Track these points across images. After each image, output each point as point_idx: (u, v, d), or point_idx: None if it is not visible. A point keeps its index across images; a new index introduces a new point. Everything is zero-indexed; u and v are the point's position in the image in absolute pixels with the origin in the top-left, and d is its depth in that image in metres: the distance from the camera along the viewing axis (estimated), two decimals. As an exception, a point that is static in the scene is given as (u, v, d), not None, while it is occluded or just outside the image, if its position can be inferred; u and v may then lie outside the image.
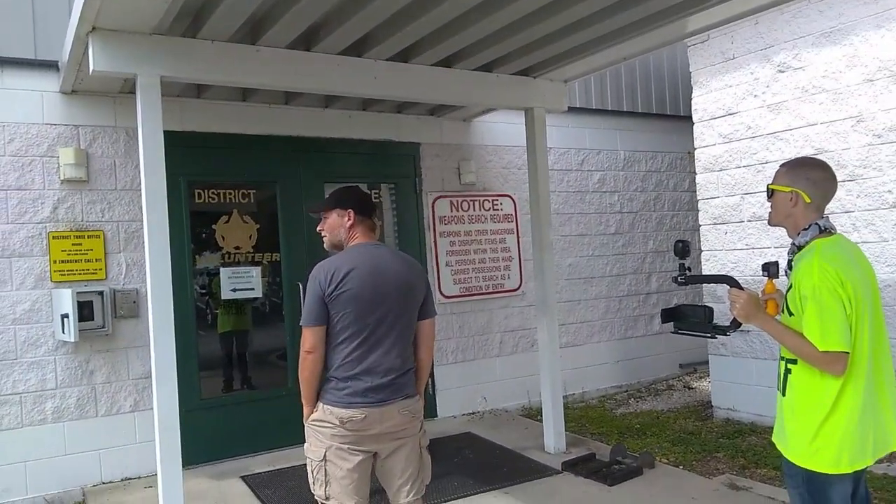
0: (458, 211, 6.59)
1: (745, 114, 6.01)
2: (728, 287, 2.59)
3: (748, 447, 5.36)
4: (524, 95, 5.27)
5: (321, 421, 2.87)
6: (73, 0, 3.71)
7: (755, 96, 5.92)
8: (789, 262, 2.53)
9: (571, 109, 6.15)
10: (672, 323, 3.00)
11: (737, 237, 6.11)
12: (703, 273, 6.20)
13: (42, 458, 4.75)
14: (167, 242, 3.89)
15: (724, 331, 2.86)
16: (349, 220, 2.99)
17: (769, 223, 2.62)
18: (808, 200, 2.45)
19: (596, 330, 7.40)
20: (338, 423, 2.82)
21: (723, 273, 5.86)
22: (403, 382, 2.91)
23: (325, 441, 2.86)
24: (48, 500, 4.73)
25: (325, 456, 2.85)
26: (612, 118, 7.58)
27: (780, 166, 2.58)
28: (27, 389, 4.72)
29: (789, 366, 2.43)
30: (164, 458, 3.85)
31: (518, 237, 6.87)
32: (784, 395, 2.45)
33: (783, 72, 5.71)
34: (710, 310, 2.95)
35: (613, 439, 5.69)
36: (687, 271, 2.81)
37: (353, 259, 2.89)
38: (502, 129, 6.78)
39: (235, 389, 5.81)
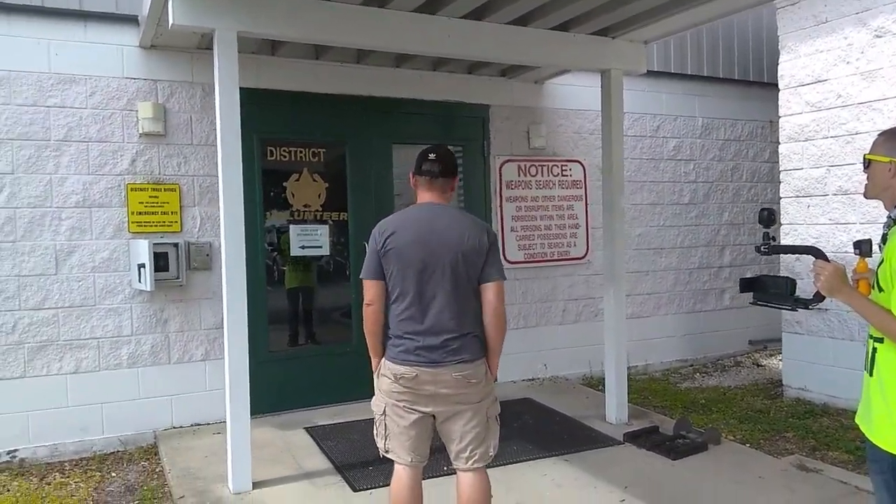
0: (525, 176, 6.48)
1: (836, 81, 5.67)
2: (813, 258, 2.46)
3: (819, 429, 5.17)
4: (602, 56, 5.08)
5: (382, 375, 2.95)
6: (154, -47, 3.78)
7: (847, 63, 5.57)
8: (883, 236, 2.37)
9: (648, 73, 5.92)
10: (751, 294, 2.87)
11: (820, 211, 5.82)
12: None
13: (117, 400, 4.96)
14: (241, 198, 3.96)
15: (805, 304, 2.72)
16: (412, 180, 3.06)
17: (865, 196, 2.46)
18: None
19: (663, 302, 7.23)
20: (392, 378, 2.89)
21: (803, 248, 5.61)
22: (459, 346, 2.86)
23: (385, 397, 2.94)
24: (122, 441, 4.96)
25: (384, 411, 2.95)
26: (691, 83, 7.28)
27: (878, 135, 2.40)
28: (104, 335, 4.92)
29: (876, 344, 2.30)
30: (234, 408, 3.98)
31: (586, 204, 6.72)
32: (871, 374, 2.32)
33: (881, 37, 5.34)
34: (793, 281, 2.81)
35: (677, 413, 5.58)
36: (771, 241, 2.68)
37: (404, 218, 2.95)
38: (575, 92, 6.60)
39: (301, 344, 5.93)
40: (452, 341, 2.85)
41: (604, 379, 5.44)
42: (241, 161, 3.94)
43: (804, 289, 2.82)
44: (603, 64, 5.13)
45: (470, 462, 2.94)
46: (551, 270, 6.59)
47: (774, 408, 5.81)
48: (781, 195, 6.16)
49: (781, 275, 5.68)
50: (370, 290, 2.92)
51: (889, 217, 2.35)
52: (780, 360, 6.92)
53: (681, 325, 7.32)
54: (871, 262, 2.51)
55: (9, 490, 4.24)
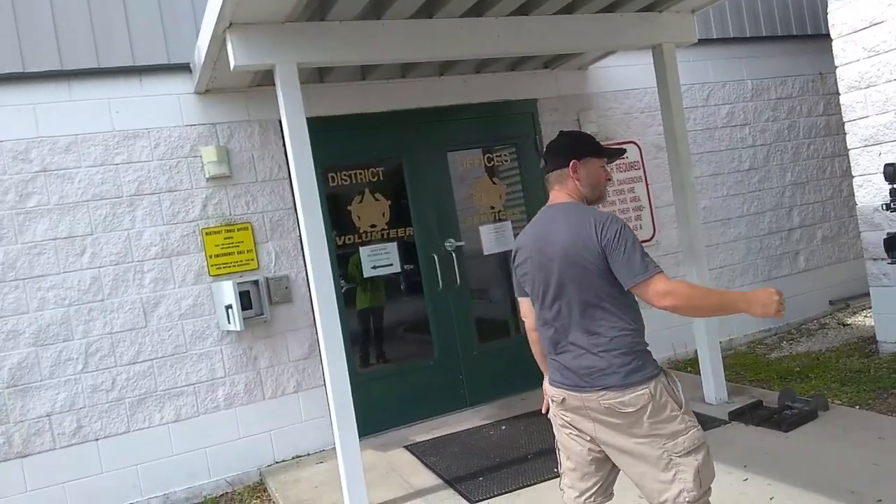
0: (581, 164, 6.38)
1: (894, 21, 5.47)
2: None
3: (929, 381, 5.00)
4: (651, 32, 4.98)
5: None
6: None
7: (904, 0, 5.38)
8: None
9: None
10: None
11: (893, 157, 5.61)
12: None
13: (219, 442, 5.01)
14: (322, 226, 3.97)
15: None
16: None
17: None
18: None
19: (738, 273, 7.06)
20: (550, 400, 2.69)
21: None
22: (601, 368, 2.42)
23: (553, 420, 2.71)
24: (229, 482, 5.01)
25: (557, 439, 2.71)
26: (735, 46, 7.10)
27: None
28: (199, 380, 4.98)
29: None
30: (342, 434, 3.99)
31: (647, 184, 6.61)
32: None
33: (937, -32, 5.15)
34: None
35: (776, 385, 5.44)
36: None
37: (526, 231, 2.70)
38: (621, 73, 6.50)
39: (382, 362, 5.91)
40: (595, 361, 2.44)
41: (691, 360, 5.34)
42: (317, 191, 3.95)
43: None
44: (654, 39, 5.02)
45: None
46: (621, 256, 6.48)
47: (873, 366, 5.62)
48: (849, 146, 5.97)
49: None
50: (521, 307, 2.80)
51: None
52: (868, 316, 6.72)
53: (759, 294, 7.13)
54: None
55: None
